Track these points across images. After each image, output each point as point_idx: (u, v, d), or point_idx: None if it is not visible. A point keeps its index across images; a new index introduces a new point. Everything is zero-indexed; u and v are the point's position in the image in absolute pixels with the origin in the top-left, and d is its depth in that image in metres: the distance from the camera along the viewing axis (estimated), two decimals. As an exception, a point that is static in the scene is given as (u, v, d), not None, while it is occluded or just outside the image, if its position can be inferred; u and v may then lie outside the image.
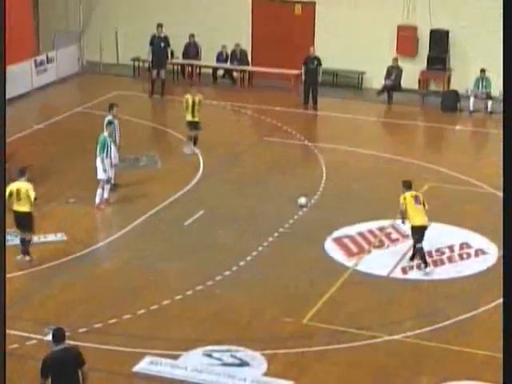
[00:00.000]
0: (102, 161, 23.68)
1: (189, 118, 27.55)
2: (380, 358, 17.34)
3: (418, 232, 20.47)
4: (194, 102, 27.50)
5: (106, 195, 23.93)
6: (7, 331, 17.69)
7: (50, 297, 19.47)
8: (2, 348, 12.97)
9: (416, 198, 20.54)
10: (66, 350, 13.77)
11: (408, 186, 20.78)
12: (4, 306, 13.28)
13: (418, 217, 20.45)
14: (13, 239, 21.29)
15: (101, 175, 23.81)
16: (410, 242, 21.61)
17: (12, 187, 20.40)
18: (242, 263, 20.87)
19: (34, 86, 33.41)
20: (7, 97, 30.17)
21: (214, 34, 35.26)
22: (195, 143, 27.61)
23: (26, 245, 20.73)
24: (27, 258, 20.70)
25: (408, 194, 20.51)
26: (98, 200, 23.75)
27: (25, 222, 20.61)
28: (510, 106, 12.90)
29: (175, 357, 17.13)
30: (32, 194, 20.42)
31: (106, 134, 23.93)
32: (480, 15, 32.47)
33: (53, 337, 13.84)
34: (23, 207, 20.46)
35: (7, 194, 19.85)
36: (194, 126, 27.60)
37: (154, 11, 35.67)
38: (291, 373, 16.57)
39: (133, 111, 29.98)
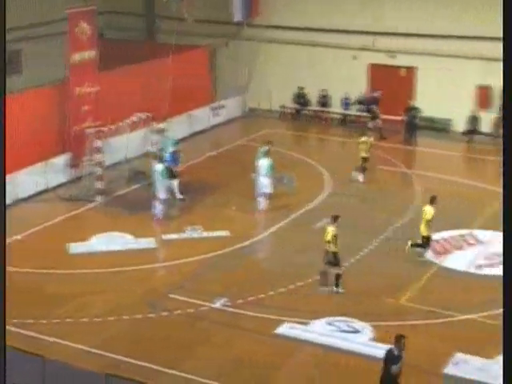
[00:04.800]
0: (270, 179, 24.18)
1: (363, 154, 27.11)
2: (457, 331, 17.07)
3: None
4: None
5: (264, 204, 24.26)
6: (186, 299, 18.24)
7: (216, 277, 19.74)
8: (2, 347, 11.62)
9: None
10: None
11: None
12: (4, 305, 12.01)
13: None
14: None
15: (267, 189, 24.16)
16: (483, 245, 21.25)
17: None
18: (357, 257, 20.77)
19: (210, 125, 33.95)
20: (191, 132, 31.18)
21: (339, 88, 35.21)
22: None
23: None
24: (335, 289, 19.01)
25: None
26: (262, 206, 24.17)
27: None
28: (510, 109, 12.12)
29: (306, 324, 17.19)
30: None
31: (270, 160, 24.30)
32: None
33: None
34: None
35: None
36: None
37: (295, 73, 35.96)
38: (390, 340, 16.38)
39: (278, 143, 30.14)
